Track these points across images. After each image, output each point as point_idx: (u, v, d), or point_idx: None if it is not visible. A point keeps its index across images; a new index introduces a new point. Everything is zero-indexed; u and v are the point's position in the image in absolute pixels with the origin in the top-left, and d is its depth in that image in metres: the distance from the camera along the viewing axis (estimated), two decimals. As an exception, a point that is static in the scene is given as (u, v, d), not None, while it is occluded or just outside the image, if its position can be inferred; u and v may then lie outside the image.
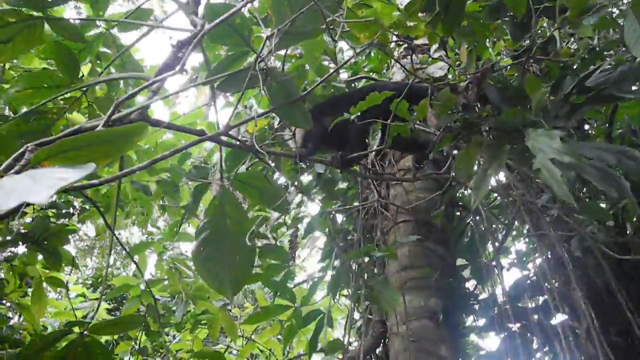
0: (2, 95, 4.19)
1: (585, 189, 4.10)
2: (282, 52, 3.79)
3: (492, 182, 5.05)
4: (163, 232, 8.19)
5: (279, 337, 6.46)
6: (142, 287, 5.96)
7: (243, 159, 3.94)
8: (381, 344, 4.31)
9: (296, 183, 4.81)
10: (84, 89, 3.82)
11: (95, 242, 14.54)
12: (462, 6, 3.47)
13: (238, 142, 3.25)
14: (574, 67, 3.73)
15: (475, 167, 3.43)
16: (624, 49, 3.86)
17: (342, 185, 5.14)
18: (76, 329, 3.16)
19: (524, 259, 5.12)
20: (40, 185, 1.74)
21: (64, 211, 5.81)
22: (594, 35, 4.10)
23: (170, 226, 7.32)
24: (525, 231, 5.11)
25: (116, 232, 6.70)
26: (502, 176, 4.79)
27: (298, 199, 5.38)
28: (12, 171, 2.79)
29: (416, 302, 3.95)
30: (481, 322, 4.25)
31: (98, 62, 4.64)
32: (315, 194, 5.18)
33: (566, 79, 3.26)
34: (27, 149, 2.81)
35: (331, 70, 4.35)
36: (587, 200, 4.09)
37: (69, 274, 8.69)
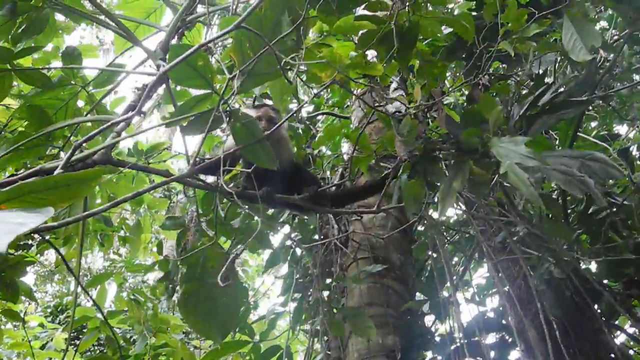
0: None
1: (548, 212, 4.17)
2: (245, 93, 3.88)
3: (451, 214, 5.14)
4: (125, 259, 8.17)
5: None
6: (102, 316, 5.92)
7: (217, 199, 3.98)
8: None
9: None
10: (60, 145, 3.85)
11: (54, 268, 14.36)
12: (412, 45, 3.59)
13: (204, 183, 3.29)
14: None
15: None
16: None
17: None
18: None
19: (484, 293, 5.20)
20: None
21: (22, 242, 5.75)
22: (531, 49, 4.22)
23: (128, 260, 7.33)
24: (483, 265, 5.22)
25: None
26: (459, 212, 4.90)
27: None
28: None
29: (374, 340, 3.98)
30: (439, 358, 4.30)
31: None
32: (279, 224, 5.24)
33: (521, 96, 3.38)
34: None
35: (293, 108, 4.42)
36: (552, 220, 4.16)
37: (28, 304, 8.56)
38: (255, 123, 3.14)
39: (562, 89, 3.54)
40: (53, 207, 2.19)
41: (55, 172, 2.65)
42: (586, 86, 3.64)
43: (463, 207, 4.62)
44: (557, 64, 4.55)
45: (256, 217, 4.63)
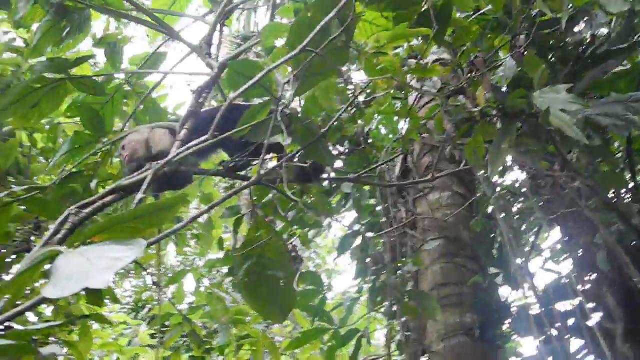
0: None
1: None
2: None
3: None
4: (198, 252, 8.40)
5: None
6: (183, 311, 6.17)
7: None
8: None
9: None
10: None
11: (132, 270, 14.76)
12: (447, 23, 3.61)
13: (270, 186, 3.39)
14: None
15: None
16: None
17: (370, 201, 5.24)
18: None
19: (556, 259, 5.19)
20: (98, 269, 1.82)
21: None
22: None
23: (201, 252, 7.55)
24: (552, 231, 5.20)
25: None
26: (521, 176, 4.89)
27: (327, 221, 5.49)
28: (59, 237, 2.95)
29: (452, 319, 4.04)
30: (518, 329, 4.33)
31: (125, 109, 4.83)
32: (345, 211, 5.32)
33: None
34: (71, 212, 2.97)
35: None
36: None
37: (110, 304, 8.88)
38: (313, 124, 3.24)
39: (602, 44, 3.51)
40: (141, 235, 2.31)
41: (137, 198, 2.75)
42: (625, 36, 3.58)
43: (524, 175, 4.65)
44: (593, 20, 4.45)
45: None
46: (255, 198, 4.31)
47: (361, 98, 4.93)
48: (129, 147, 3.48)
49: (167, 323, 6.82)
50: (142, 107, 4.44)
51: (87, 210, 2.88)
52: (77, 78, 3.80)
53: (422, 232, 4.50)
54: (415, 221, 4.64)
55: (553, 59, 4.05)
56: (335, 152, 4.98)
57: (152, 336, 8.70)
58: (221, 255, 6.28)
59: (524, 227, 5.23)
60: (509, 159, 4.77)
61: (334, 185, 5.04)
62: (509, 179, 4.94)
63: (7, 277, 5.22)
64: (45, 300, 2.54)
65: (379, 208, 5.13)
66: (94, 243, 2.22)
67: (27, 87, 3.58)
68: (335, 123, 4.12)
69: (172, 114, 5.71)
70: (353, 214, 5.21)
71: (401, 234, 4.70)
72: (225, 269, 6.18)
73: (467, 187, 4.62)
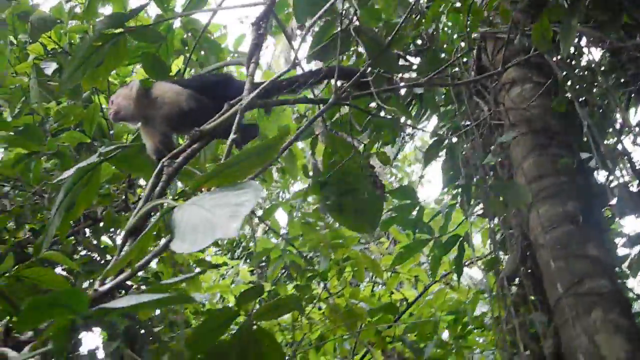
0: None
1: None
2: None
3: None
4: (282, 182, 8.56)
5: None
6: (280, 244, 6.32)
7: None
8: (527, 257, 4.39)
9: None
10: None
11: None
12: None
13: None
14: None
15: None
16: None
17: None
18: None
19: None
20: (223, 218, 1.85)
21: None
22: None
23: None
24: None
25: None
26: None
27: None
28: (158, 188, 3.04)
29: (553, 210, 4.00)
30: (619, 209, 4.26)
31: (186, 47, 4.89)
32: (425, 120, 5.30)
33: None
34: (164, 164, 3.05)
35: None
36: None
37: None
38: (378, 35, 3.24)
39: None
40: (244, 177, 2.36)
41: (230, 139, 2.78)
42: None
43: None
44: None
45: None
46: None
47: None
48: (118, 102, 3.46)
49: (264, 258, 7.02)
50: (201, 51, 4.52)
51: (179, 160, 2.96)
52: (134, 28, 3.86)
53: (508, 128, 4.42)
54: (499, 118, 4.56)
55: None
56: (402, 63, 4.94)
57: (252, 272, 8.97)
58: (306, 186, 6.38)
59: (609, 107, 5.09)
60: (583, 41, 4.64)
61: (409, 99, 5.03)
62: (587, 60, 4.75)
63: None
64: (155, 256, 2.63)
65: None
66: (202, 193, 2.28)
67: (90, 47, 3.65)
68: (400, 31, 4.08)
69: (234, 52, 5.73)
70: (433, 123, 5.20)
71: (487, 132, 4.64)
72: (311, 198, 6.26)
73: (548, 77, 4.49)
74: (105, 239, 5.52)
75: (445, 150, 4.75)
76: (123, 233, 2.73)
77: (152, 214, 2.99)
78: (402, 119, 4.98)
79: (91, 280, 5.27)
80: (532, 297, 4.22)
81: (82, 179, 3.22)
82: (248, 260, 11.12)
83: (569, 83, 4.46)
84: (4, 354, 2.13)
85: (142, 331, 4.61)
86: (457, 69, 4.73)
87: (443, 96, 5.02)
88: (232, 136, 2.71)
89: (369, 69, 3.32)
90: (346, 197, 3.70)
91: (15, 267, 4.06)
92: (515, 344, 4.08)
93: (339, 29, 3.24)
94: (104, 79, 4.33)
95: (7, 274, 3.81)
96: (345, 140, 3.90)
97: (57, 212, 3.23)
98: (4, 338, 3.86)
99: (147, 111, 3.42)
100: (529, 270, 4.29)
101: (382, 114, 4.47)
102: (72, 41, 4.79)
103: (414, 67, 4.90)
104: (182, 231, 1.92)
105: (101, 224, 5.43)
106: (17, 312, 3.78)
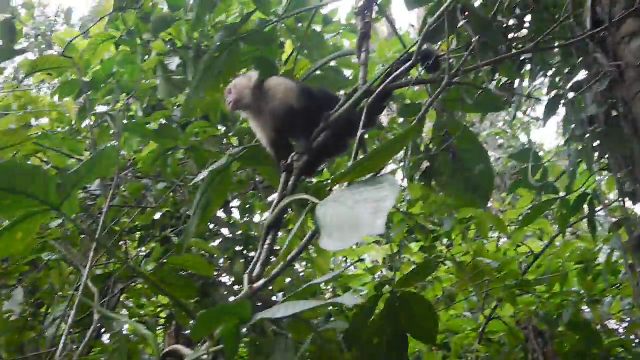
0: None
1: None
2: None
3: None
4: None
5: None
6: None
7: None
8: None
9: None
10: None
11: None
12: None
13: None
14: None
15: None
16: None
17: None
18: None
19: None
20: (367, 214, 1.96)
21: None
22: None
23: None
24: None
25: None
26: None
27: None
28: (291, 183, 3.23)
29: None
30: None
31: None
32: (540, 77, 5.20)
33: None
34: (293, 159, 3.24)
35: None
36: None
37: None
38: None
39: None
40: (375, 170, 2.49)
41: (359, 134, 2.91)
42: None
43: None
44: None
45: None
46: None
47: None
48: (236, 91, 3.46)
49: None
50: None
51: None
52: (247, 35, 4.06)
53: (631, 82, 4.27)
54: (621, 72, 4.40)
55: None
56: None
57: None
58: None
59: None
60: None
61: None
62: None
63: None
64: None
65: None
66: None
67: (210, 58, 3.91)
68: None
69: (347, 25, 5.79)
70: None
71: (607, 89, 4.50)
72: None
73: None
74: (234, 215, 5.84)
75: (564, 105, 4.68)
76: (264, 227, 2.93)
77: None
78: (517, 83, 4.93)
79: (226, 257, 5.61)
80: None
81: (215, 180, 3.48)
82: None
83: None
84: (179, 351, 2.39)
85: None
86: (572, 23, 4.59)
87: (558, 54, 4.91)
88: (360, 131, 2.83)
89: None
90: (456, 173, 3.75)
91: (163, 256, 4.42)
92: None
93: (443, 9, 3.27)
94: (225, 86, 4.58)
95: (158, 263, 4.15)
96: (456, 118, 3.94)
97: (195, 212, 3.51)
98: (176, 335, 4.23)
99: (259, 103, 3.45)
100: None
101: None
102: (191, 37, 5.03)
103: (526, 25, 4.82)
104: (329, 229, 2.05)
105: (231, 205, 5.76)
106: (173, 301, 4.13)
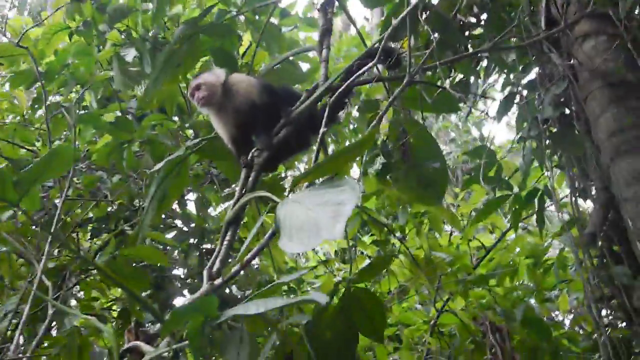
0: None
1: None
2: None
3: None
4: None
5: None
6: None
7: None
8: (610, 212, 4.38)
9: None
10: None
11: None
12: None
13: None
14: None
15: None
16: None
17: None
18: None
19: None
20: (326, 218, 1.96)
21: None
22: None
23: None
24: None
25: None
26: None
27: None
28: (251, 179, 3.22)
29: (637, 164, 3.94)
30: None
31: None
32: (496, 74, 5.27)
33: None
34: (254, 154, 3.23)
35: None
36: None
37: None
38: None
39: None
40: (337, 171, 2.49)
41: (320, 132, 2.92)
42: None
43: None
44: None
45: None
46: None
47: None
48: (206, 88, 3.39)
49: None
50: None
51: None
52: (206, 27, 4.04)
53: (584, 82, 4.37)
54: (574, 73, 4.49)
55: None
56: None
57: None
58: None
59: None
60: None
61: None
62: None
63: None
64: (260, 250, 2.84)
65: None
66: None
67: (170, 50, 3.88)
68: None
69: (303, 18, 5.77)
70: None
71: (563, 88, 4.57)
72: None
73: (624, 28, 4.38)
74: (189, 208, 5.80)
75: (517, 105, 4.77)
76: (224, 223, 2.91)
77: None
78: (472, 79, 5.00)
79: (179, 250, 5.58)
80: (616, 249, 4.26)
81: (172, 172, 3.44)
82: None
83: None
84: (139, 347, 2.37)
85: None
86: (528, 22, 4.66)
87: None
88: (322, 129, 2.83)
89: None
90: (409, 170, 3.78)
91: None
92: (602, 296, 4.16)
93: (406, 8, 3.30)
94: (183, 79, 4.53)
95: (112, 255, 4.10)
96: (411, 115, 3.97)
97: (150, 203, 3.47)
98: (136, 332, 4.19)
99: (222, 99, 3.42)
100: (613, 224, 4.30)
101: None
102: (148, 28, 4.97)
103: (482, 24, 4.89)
104: (289, 231, 2.05)
105: (186, 197, 5.71)
106: (128, 294, 4.08)
